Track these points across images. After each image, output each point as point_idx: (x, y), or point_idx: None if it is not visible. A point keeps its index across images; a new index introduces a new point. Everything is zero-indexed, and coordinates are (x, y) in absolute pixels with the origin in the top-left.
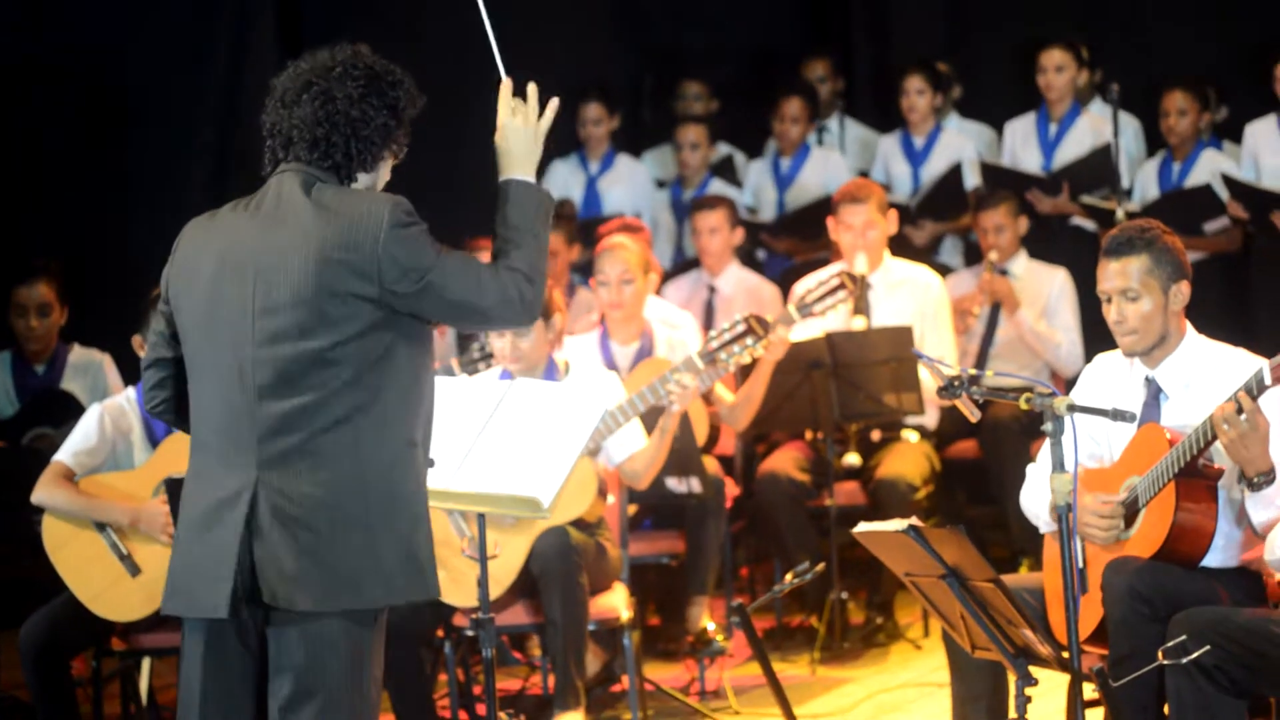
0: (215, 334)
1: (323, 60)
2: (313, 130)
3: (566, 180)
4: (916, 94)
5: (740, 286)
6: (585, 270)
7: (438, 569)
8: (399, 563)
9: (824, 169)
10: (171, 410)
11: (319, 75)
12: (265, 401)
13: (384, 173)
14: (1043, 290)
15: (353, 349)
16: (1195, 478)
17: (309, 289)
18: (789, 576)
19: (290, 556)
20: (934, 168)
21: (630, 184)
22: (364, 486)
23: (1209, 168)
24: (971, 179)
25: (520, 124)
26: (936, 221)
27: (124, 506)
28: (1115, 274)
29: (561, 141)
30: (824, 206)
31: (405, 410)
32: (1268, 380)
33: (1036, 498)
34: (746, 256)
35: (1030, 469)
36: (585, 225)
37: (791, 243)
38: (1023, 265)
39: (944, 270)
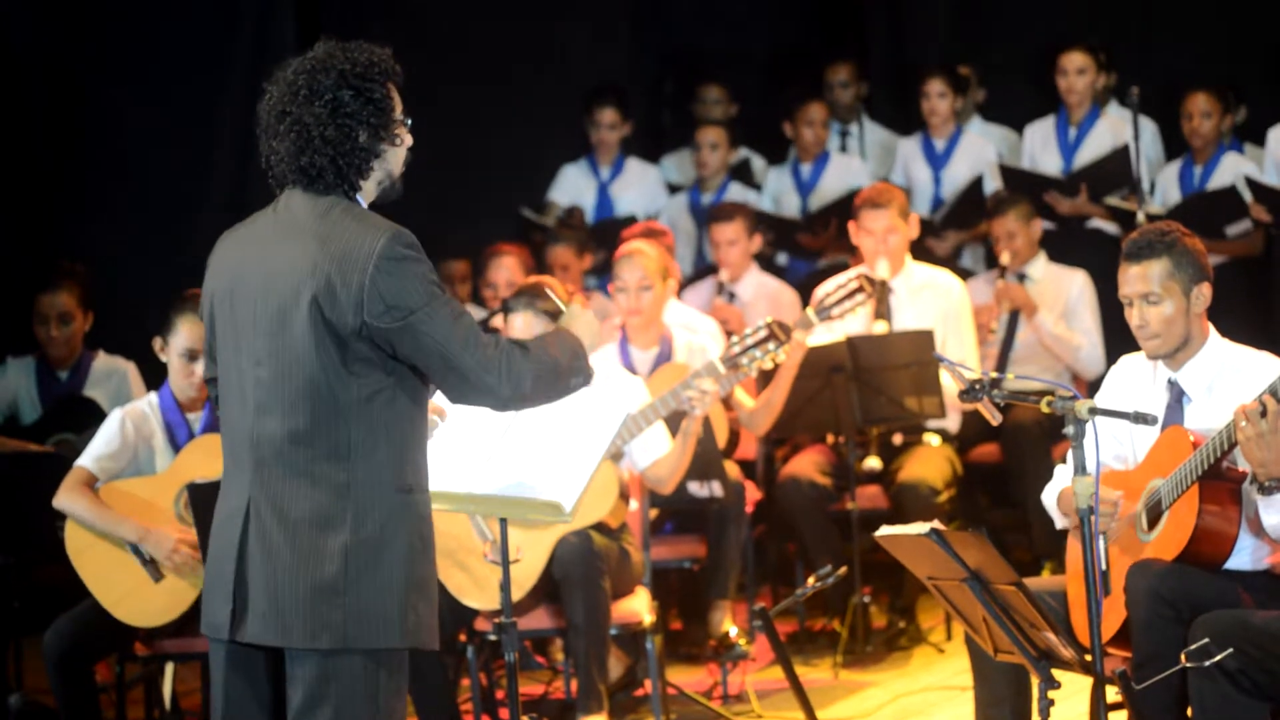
0: (231, 349)
1: (289, 80)
2: (297, 160)
3: (578, 185)
4: (938, 97)
5: (760, 292)
6: (603, 272)
7: (458, 574)
8: (368, 608)
9: (845, 175)
10: None
11: (289, 102)
12: (260, 420)
13: (394, 160)
14: (1062, 293)
15: (341, 380)
16: (1219, 480)
17: (301, 315)
18: (811, 580)
19: (258, 588)
20: (955, 170)
21: (641, 188)
22: (344, 524)
23: (1231, 170)
24: (993, 183)
25: (590, 316)
26: (959, 231)
27: (135, 525)
28: (1136, 278)
29: (573, 145)
30: (849, 204)
31: (399, 453)
32: None
33: (1055, 494)
34: (768, 261)
35: (1058, 469)
36: (598, 229)
37: (822, 237)
38: (1042, 268)
39: (965, 275)
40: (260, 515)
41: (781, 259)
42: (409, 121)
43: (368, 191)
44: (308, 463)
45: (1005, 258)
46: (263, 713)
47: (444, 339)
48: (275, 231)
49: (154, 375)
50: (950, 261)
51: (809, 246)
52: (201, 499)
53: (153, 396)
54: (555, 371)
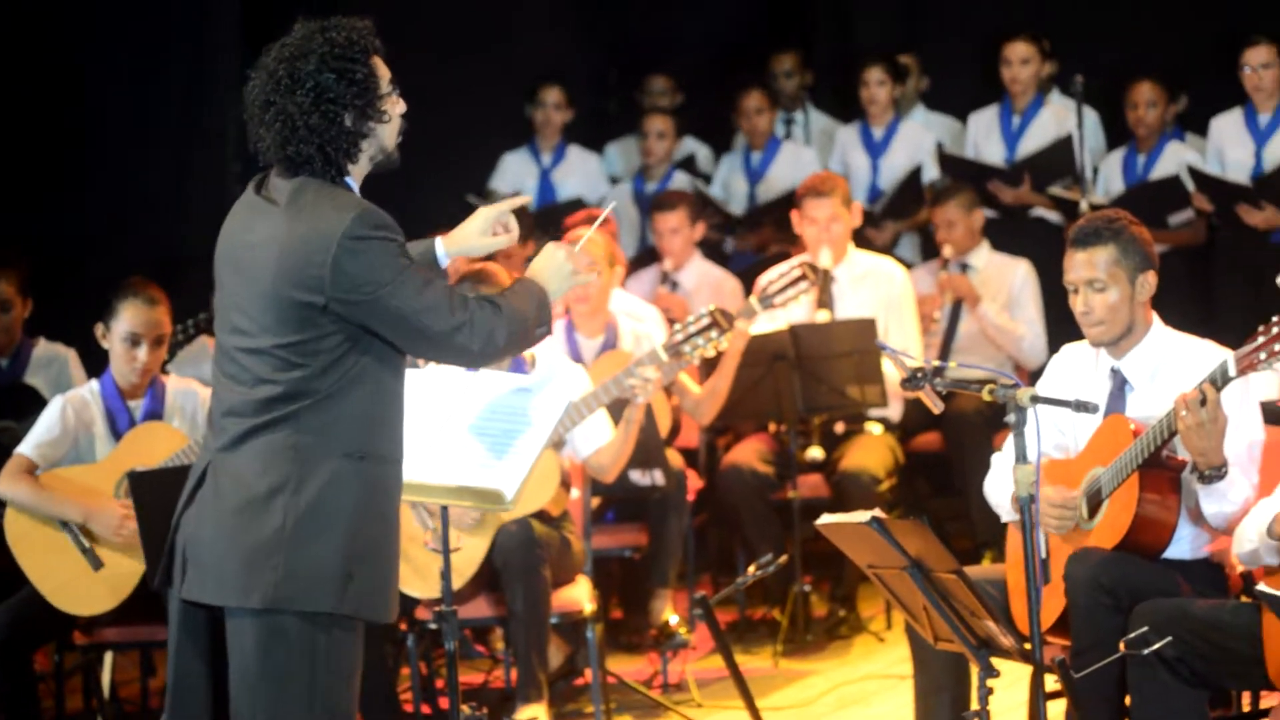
0: (218, 316)
1: (270, 69)
2: (283, 150)
3: (519, 172)
4: (877, 85)
5: (703, 280)
6: None
7: (399, 562)
8: (300, 571)
9: (795, 164)
10: None
11: (271, 91)
12: (230, 386)
13: (386, 135)
14: (1005, 282)
15: (304, 352)
16: (1159, 469)
17: (267, 288)
18: (752, 569)
19: (198, 544)
20: (893, 159)
21: (583, 175)
22: (286, 487)
23: (1174, 160)
24: (931, 173)
25: (563, 257)
26: (897, 221)
27: (79, 504)
28: (1082, 264)
29: (514, 131)
30: (791, 201)
31: (356, 421)
32: (1232, 372)
33: (1000, 487)
34: (714, 248)
35: (995, 458)
36: (541, 215)
37: (764, 235)
38: (985, 258)
39: (905, 265)
40: (215, 476)
41: (728, 246)
42: (397, 92)
43: (359, 171)
44: (266, 428)
45: (947, 250)
46: (206, 669)
47: (412, 308)
48: (255, 207)
49: (93, 360)
50: (888, 251)
51: (750, 247)
52: (142, 486)
53: (94, 384)
54: (524, 324)
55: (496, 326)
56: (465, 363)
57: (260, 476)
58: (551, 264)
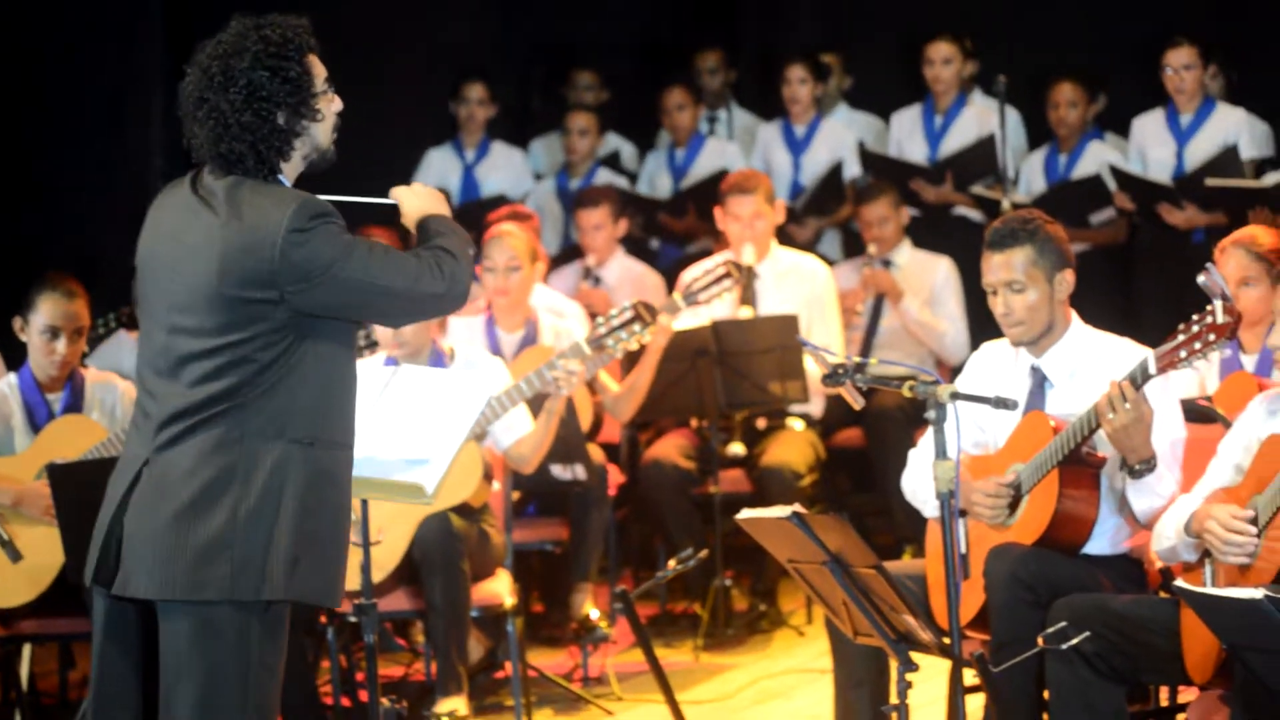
0: (146, 315)
1: (204, 66)
2: (216, 147)
3: (443, 168)
4: (798, 83)
5: (625, 276)
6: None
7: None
8: (253, 560)
9: (719, 159)
10: None
11: (204, 88)
12: (169, 385)
13: (320, 133)
14: (927, 279)
15: (250, 350)
16: (1078, 466)
17: (210, 289)
18: (672, 563)
19: (141, 540)
20: (815, 156)
21: (507, 171)
22: (234, 477)
23: (1095, 159)
24: (852, 170)
25: (418, 187)
26: (819, 217)
27: (5, 488)
28: (1000, 266)
29: (439, 127)
30: (710, 187)
31: (303, 407)
32: (1152, 370)
33: (919, 481)
34: (640, 246)
35: (912, 454)
36: (464, 210)
37: (689, 222)
38: (907, 255)
39: (827, 262)
40: (154, 470)
41: (654, 244)
42: (333, 90)
43: (291, 170)
44: (209, 423)
45: (873, 248)
46: (133, 666)
47: (369, 274)
48: (189, 206)
49: (11, 353)
50: (811, 247)
51: (672, 229)
52: (62, 479)
53: (12, 377)
54: (463, 250)
55: (456, 267)
56: (439, 308)
57: (205, 470)
58: (417, 195)
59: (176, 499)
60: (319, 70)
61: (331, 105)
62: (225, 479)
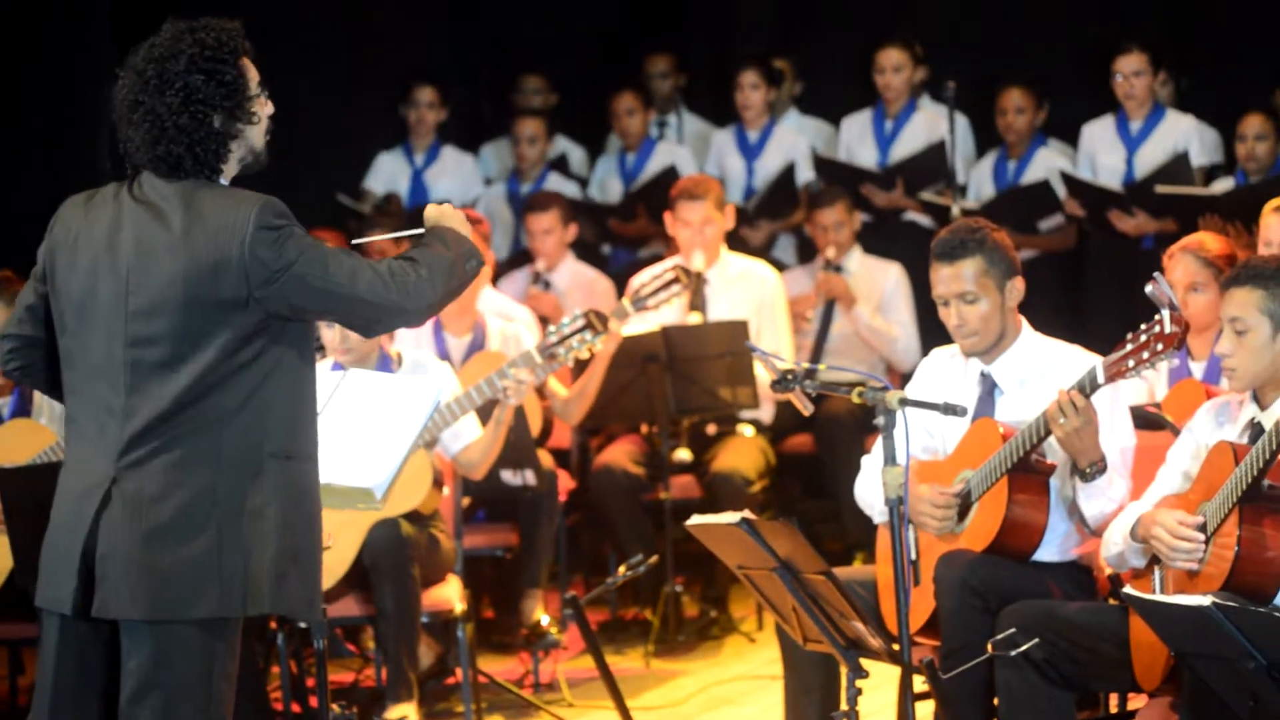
0: (90, 326)
1: (139, 69)
2: (153, 150)
3: (392, 173)
4: (750, 88)
5: (575, 281)
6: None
7: None
8: (238, 576)
9: (670, 163)
10: (36, 375)
11: (140, 91)
12: (133, 400)
13: (254, 136)
14: (877, 285)
15: (220, 357)
16: (1028, 473)
17: (178, 296)
18: (623, 569)
19: (121, 562)
20: (768, 161)
21: (457, 176)
22: (215, 495)
23: (1044, 165)
24: (805, 174)
25: (447, 209)
26: (772, 221)
27: None
28: (950, 278)
29: (389, 134)
30: (672, 176)
31: (276, 421)
32: (1101, 379)
33: (871, 488)
34: (592, 251)
35: (865, 460)
36: (414, 215)
37: (640, 224)
38: (857, 261)
39: (779, 267)
40: (124, 489)
41: (605, 249)
42: (265, 93)
43: (228, 172)
44: (186, 438)
45: (831, 252)
46: (91, 690)
47: (329, 277)
48: (138, 214)
49: None
50: (764, 251)
51: (621, 233)
52: (10, 484)
53: None
54: (450, 265)
55: (420, 281)
56: (405, 322)
57: (182, 490)
58: (441, 212)
59: (156, 519)
60: (253, 74)
61: (265, 109)
62: (206, 498)
